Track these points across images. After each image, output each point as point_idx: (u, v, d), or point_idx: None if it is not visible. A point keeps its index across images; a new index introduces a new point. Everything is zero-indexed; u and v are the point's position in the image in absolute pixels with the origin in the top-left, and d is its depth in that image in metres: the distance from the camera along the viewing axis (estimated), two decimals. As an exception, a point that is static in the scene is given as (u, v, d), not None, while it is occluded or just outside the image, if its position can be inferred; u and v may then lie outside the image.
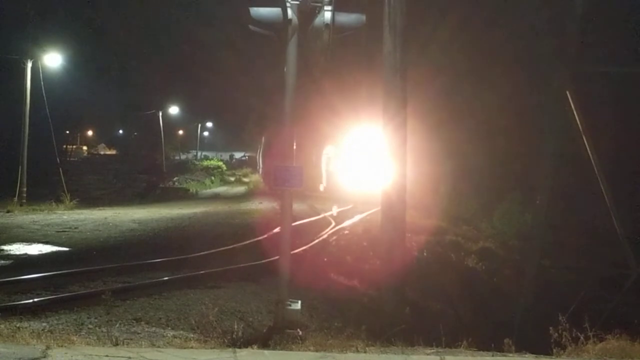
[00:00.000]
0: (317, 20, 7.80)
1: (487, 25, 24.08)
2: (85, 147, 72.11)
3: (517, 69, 22.63)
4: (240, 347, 6.32)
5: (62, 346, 5.65)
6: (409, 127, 9.18)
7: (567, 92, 15.32)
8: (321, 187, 40.72)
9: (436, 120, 23.37)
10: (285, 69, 7.90)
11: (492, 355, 6.50)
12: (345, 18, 8.00)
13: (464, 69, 23.69)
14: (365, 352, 6.35)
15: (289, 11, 7.68)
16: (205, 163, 71.10)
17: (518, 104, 22.42)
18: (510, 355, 6.51)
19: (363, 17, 8.13)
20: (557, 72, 15.86)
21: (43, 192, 27.99)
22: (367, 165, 38.30)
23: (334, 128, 37.85)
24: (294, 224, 14.80)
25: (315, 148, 40.80)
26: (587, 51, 16.83)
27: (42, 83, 27.53)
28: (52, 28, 33.32)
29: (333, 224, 20.88)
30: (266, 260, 12.81)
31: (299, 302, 7.80)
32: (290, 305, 7.70)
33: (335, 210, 25.75)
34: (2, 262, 13.28)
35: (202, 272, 11.89)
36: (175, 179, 52.99)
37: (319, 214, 24.32)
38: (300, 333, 7.26)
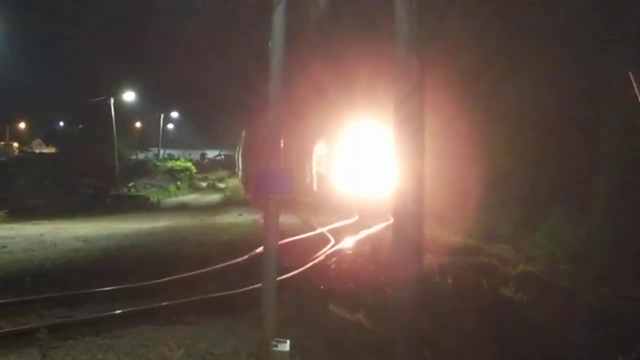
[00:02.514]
0: (312, -18, 7.83)
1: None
2: (16, 144, 72.11)
3: (563, 46, 22.66)
4: (212, 400, 6.33)
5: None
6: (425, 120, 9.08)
7: (630, 75, 15.39)
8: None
9: (459, 112, 23.40)
10: (270, 44, 7.91)
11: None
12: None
13: (492, 47, 23.69)
14: (371, 405, 6.37)
15: (277, -30, 7.69)
16: (170, 164, 71.11)
17: (565, 92, 22.44)
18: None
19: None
20: (617, 51, 15.94)
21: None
22: (371, 165, 38.68)
23: (327, 120, 38.10)
24: (282, 241, 14.82)
25: (303, 144, 40.99)
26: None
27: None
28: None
29: (332, 241, 20.91)
30: (246, 288, 12.81)
31: (288, 342, 7.80)
32: (276, 345, 7.70)
33: (334, 225, 25.84)
34: None
35: (164, 303, 11.90)
36: (131, 184, 52.98)
37: (314, 229, 24.35)
38: (290, 382, 7.26)
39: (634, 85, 15.42)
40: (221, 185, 65.41)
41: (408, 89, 8.85)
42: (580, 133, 21.23)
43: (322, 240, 21.33)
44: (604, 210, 16.30)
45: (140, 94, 63.96)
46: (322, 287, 14.66)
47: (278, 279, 7.91)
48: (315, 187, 43.53)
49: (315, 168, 44.88)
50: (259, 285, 8.59)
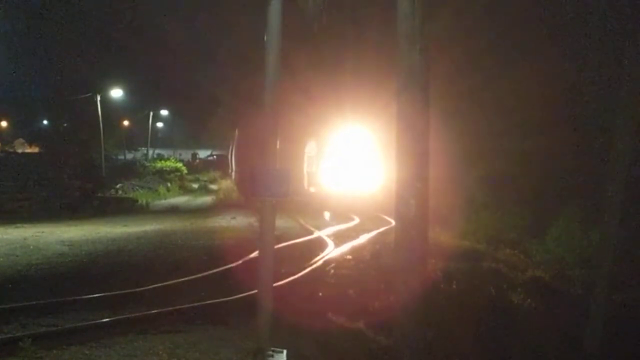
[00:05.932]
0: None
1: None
2: (-4, 143, 72.03)
3: (574, 33, 22.59)
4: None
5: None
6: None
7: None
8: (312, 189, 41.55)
9: (461, 111, 23.38)
10: (265, 38, 7.91)
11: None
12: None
13: (495, 34, 23.59)
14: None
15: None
16: (160, 164, 71.07)
17: (577, 84, 22.40)
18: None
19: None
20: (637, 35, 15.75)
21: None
22: (363, 165, 38.94)
23: (315, 120, 38.28)
24: (278, 246, 14.83)
25: (294, 145, 41.20)
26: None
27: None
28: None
29: (331, 246, 20.94)
30: (240, 295, 12.81)
31: (285, 351, 7.81)
32: (272, 356, 7.70)
33: (332, 228, 25.90)
34: None
35: (154, 311, 11.90)
36: (118, 185, 52.95)
37: (311, 233, 24.38)
38: (286, 393, 7.28)
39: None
40: (213, 186, 65.40)
41: (408, 80, 8.77)
42: (591, 132, 21.22)
43: (320, 245, 21.36)
44: (617, 213, 16.25)
45: (128, 90, 63.92)
46: (320, 294, 14.67)
47: (274, 285, 7.92)
48: (307, 188, 43.91)
49: (306, 168, 45.24)
50: (254, 292, 8.61)
